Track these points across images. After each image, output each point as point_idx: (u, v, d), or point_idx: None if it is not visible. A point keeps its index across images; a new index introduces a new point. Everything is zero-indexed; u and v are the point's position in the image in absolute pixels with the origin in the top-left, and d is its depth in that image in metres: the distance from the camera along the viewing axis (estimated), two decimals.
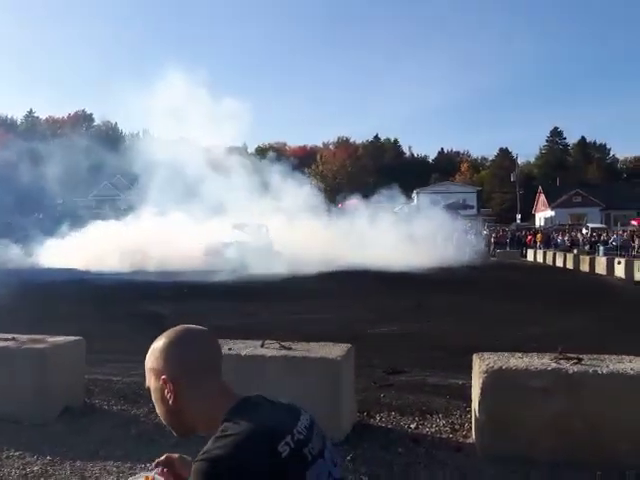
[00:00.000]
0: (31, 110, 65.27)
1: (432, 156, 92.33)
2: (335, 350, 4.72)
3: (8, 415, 4.83)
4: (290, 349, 4.79)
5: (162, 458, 1.56)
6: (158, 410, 1.44)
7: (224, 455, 1.22)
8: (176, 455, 1.58)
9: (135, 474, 3.96)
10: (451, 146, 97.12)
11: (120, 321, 10.55)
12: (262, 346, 4.87)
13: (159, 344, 1.43)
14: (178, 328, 1.46)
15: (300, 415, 1.40)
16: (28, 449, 4.35)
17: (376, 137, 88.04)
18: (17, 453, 4.30)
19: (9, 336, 5.29)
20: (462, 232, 33.91)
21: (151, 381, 1.42)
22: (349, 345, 4.89)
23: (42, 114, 65.13)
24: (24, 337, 5.34)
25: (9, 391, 4.90)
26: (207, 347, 1.45)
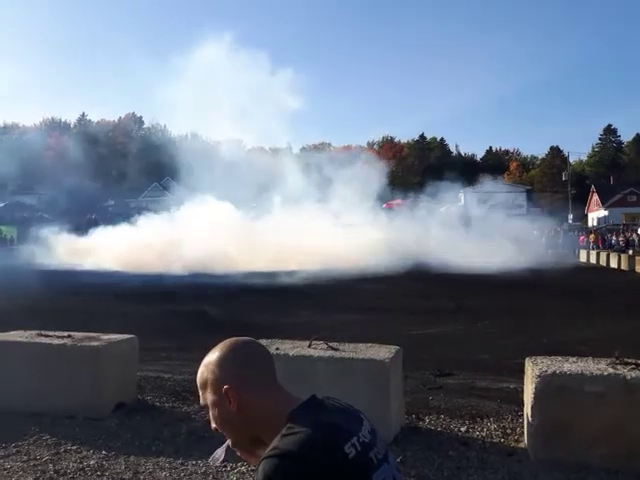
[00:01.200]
0: (84, 113, 67.38)
1: (480, 155, 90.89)
2: (383, 351, 4.69)
3: (64, 410, 5.00)
4: (337, 350, 4.79)
5: None
6: (219, 424, 1.41)
7: (293, 452, 1.20)
8: None
9: (187, 470, 4.05)
10: (500, 144, 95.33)
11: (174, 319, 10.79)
12: (309, 346, 4.89)
13: (214, 356, 1.43)
14: (227, 340, 1.47)
15: (363, 419, 1.39)
16: (84, 443, 4.49)
17: (422, 136, 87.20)
18: (74, 447, 4.44)
19: (65, 334, 5.47)
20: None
21: (208, 396, 1.41)
22: (397, 347, 4.86)
23: (94, 117, 67.08)
24: (79, 335, 5.51)
25: (65, 387, 5.07)
26: (260, 354, 1.46)
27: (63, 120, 64.96)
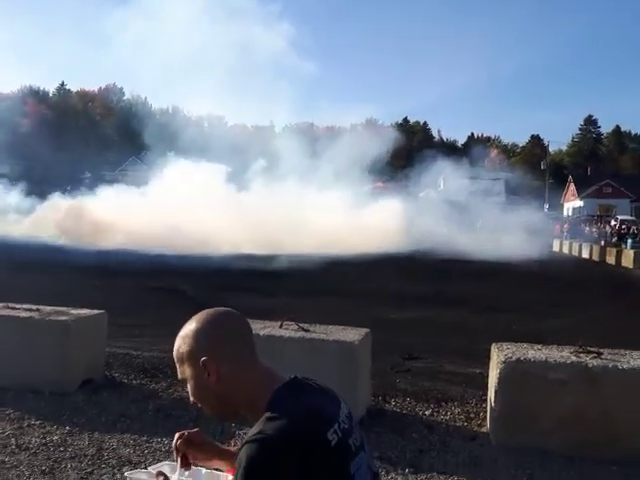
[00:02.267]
0: (63, 82, 65.87)
1: (462, 141, 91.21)
2: (352, 333, 4.71)
3: (30, 385, 4.94)
4: (308, 331, 4.81)
5: (179, 441, 1.52)
6: (198, 397, 1.39)
7: (277, 437, 1.19)
8: (193, 431, 1.55)
9: (152, 447, 4.05)
10: (482, 131, 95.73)
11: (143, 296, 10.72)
12: (281, 327, 4.90)
13: (190, 328, 1.38)
14: (205, 311, 1.43)
15: (340, 402, 1.39)
16: (48, 419, 4.46)
17: (405, 120, 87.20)
18: (38, 422, 4.41)
19: (34, 307, 5.40)
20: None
21: (186, 368, 1.38)
22: (367, 329, 4.89)
23: (74, 87, 65.62)
24: (48, 308, 5.45)
25: (31, 361, 5.01)
26: (239, 325, 1.42)
27: (42, 89, 63.44)
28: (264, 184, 27.04)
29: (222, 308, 1.46)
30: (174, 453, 1.53)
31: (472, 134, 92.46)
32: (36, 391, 4.89)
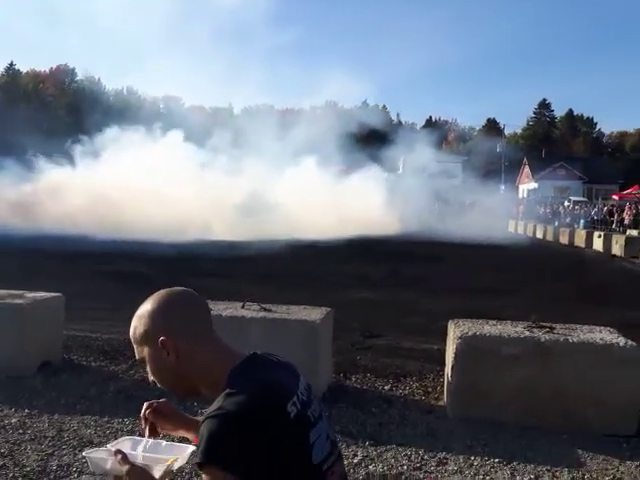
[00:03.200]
0: (12, 63, 63.49)
1: (420, 124, 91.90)
2: (315, 313, 4.78)
3: None
4: (270, 311, 4.85)
5: (147, 411, 1.52)
6: (157, 376, 1.38)
7: (237, 411, 1.21)
8: (161, 400, 1.55)
9: (113, 427, 4.03)
10: (439, 114, 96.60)
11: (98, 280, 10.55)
12: (242, 307, 4.92)
13: (147, 308, 1.38)
14: (161, 291, 1.42)
15: (299, 375, 1.41)
16: (5, 402, 4.39)
17: (364, 103, 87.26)
18: None
19: None
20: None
21: (144, 348, 1.38)
22: (329, 308, 4.95)
23: (23, 67, 63.34)
24: (3, 292, 5.33)
25: None
26: (196, 303, 1.42)
27: None
28: (228, 163, 25.93)
29: (178, 287, 1.46)
30: (142, 422, 1.54)
31: (430, 117, 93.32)
32: None
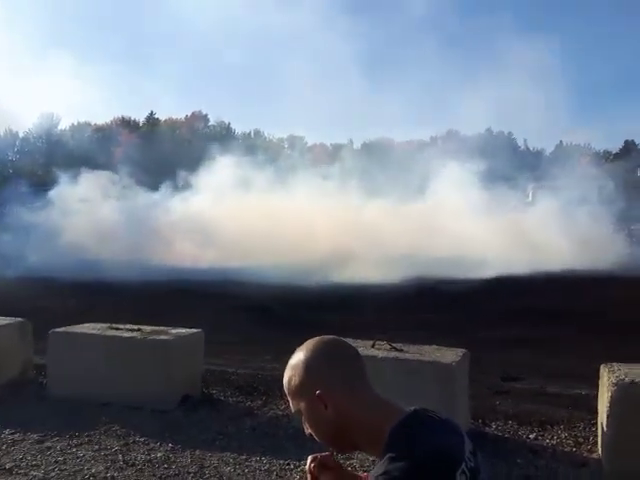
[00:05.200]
0: (152, 112, 69.47)
1: (549, 149, 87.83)
2: (449, 354, 4.58)
3: (133, 401, 5.15)
4: (401, 351, 4.72)
5: (312, 465, 1.48)
6: (316, 430, 1.34)
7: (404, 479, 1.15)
8: (325, 454, 1.50)
9: (251, 466, 4.09)
10: (570, 139, 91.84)
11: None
12: (373, 347, 4.84)
13: (300, 358, 1.35)
14: (312, 340, 1.39)
15: (463, 436, 1.31)
16: (151, 435, 4.61)
17: (488, 130, 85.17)
18: (142, 439, 4.56)
19: (135, 327, 5.64)
20: None
21: (300, 401, 1.34)
22: (464, 350, 4.74)
23: (162, 116, 69.05)
24: (148, 328, 5.67)
25: (134, 379, 5.22)
26: (350, 353, 1.38)
27: (133, 119, 67.21)
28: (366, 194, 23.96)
29: (329, 336, 1.41)
30: (307, 476, 1.50)
31: (560, 142, 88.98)
32: (139, 407, 5.08)
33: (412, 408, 1.31)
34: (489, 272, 15.50)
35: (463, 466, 1.20)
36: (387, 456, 1.19)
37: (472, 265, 16.42)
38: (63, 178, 23.91)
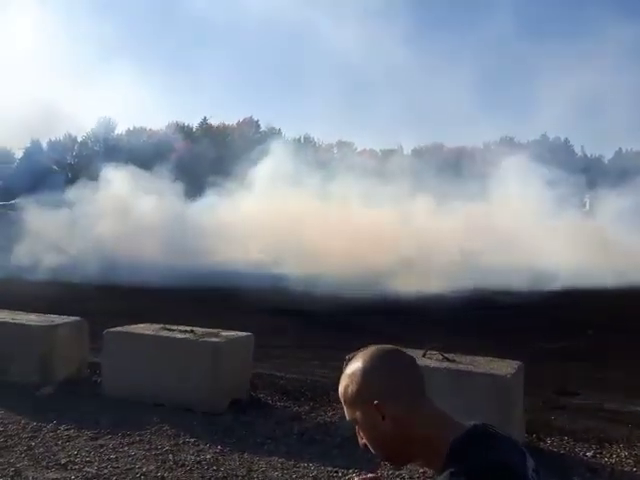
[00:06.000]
0: (205, 118, 70.90)
1: (608, 156, 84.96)
2: (504, 366, 4.45)
3: (183, 403, 5.22)
4: (454, 361, 4.62)
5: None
6: (371, 441, 1.30)
7: None
8: (371, 476, 1.46)
9: (299, 472, 4.07)
10: (631, 146, 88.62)
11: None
12: (424, 356, 4.75)
13: (358, 366, 1.30)
14: (370, 349, 1.35)
15: (525, 454, 1.26)
16: (201, 437, 4.66)
17: (544, 136, 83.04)
18: (192, 440, 4.62)
19: (188, 328, 5.72)
20: None
21: (356, 411, 1.30)
22: (518, 362, 4.60)
23: (215, 121, 70.36)
24: (201, 330, 5.73)
25: (185, 380, 5.29)
26: (409, 363, 1.34)
27: (186, 124, 68.75)
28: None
29: (387, 345, 1.37)
30: None
31: (620, 149, 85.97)
32: (189, 409, 5.14)
33: (472, 423, 1.27)
34: (555, 283, 15.01)
35: None
36: (448, 471, 1.15)
37: (535, 275, 15.86)
38: (115, 183, 24.27)
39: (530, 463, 1.23)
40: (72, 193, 23.52)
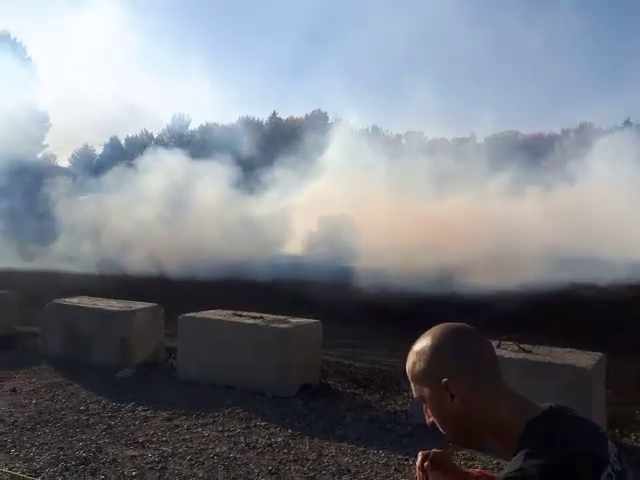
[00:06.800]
0: (274, 112, 71.79)
1: None
2: (584, 358, 4.25)
3: (255, 386, 5.31)
4: (530, 352, 4.45)
5: (425, 463, 1.38)
6: (439, 420, 1.26)
7: (542, 477, 1.04)
8: (437, 451, 1.39)
9: (369, 459, 4.04)
10: None
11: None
12: (499, 346, 4.61)
13: (427, 344, 1.25)
14: (440, 326, 1.29)
15: (607, 438, 1.17)
16: (272, 421, 4.72)
17: (627, 122, 78.69)
18: (263, 423, 4.68)
19: (257, 315, 5.81)
20: None
21: (424, 388, 1.25)
22: (600, 354, 4.37)
23: (284, 115, 71.13)
24: (270, 317, 5.81)
25: (256, 365, 5.37)
26: (481, 342, 1.27)
27: (256, 118, 69.82)
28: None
29: (458, 323, 1.30)
30: (417, 474, 1.41)
31: None
32: (261, 393, 5.22)
33: (549, 404, 1.19)
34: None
35: (609, 469, 1.07)
36: (523, 452, 1.08)
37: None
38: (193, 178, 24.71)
39: (612, 448, 1.14)
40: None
